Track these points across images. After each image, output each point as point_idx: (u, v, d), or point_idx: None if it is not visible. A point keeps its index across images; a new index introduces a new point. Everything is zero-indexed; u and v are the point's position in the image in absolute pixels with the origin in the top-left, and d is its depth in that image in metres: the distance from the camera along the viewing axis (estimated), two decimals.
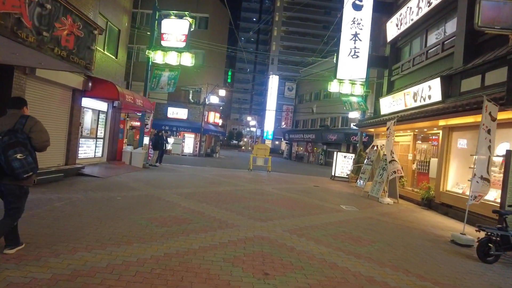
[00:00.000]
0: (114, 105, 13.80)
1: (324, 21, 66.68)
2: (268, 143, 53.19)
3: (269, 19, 75.36)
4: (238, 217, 6.76)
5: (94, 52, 7.37)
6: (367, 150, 15.08)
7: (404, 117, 12.25)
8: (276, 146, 58.61)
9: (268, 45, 75.51)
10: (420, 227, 7.92)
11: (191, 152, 29.32)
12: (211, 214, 6.79)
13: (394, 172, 11.34)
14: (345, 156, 18.28)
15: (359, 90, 18.26)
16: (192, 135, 29.61)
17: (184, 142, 29.31)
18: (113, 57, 14.20)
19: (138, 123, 32.03)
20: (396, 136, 16.09)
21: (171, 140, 29.30)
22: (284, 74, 53.89)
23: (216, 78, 30.50)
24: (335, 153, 18.72)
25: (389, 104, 15.71)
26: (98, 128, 13.25)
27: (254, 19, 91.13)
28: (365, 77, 17.44)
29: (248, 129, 73.53)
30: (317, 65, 41.67)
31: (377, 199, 11.49)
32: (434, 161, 11.41)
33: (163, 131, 17.78)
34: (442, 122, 10.68)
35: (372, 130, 17.51)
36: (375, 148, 14.05)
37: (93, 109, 12.77)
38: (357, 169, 17.40)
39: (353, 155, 18.35)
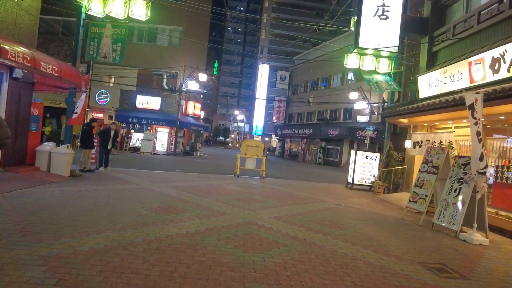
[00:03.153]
0: (15, 75, 8.46)
1: (317, 8, 61.85)
2: (258, 139, 48.09)
3: (258, 8, 70.10)
4: None
5: None
6: (423, 148, 10.15)
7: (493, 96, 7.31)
8: (266, 143, 53.53)
9: (257, 32, 70.28)
10: None
11: (165, 150, 24.01)
12: None
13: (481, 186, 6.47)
14: (367, 157, 13.37)
15: (385, 65, 13.36)
16: (167, 130, 24.29)
17: (156, 138, 23.97)
18: None
19: (100, 115, 26.61)
20: (445, 128, 11.32)
21: (138, 136, 23.95)
22: (274, 65, 48.84)
23: (195, 60, 25.21)
24: (352, 152, 13.79)
25: (435, 82, 10.87)
26: None
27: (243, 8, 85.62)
28: (397, 45, 12.51)
29: (235, 124, 68.31)
30: (313, 51, 36.80)
31: (455, 233, 6.62)
32: None
33: (113, 124, 12.43)
34: None
35: (404, 120, 12.64)
36: (438, 145, 9.19)
37: None
38: (386, 175, 12.53)
39: (378, 155, 13.46)
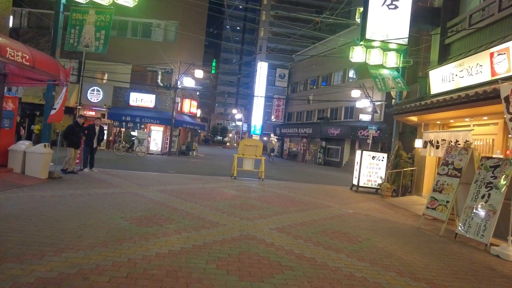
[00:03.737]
0: None
1: (316, 6, 60.91)
2: (256, 138, 47.15)
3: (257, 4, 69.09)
4: None
5: None
6: (443, 149, 9.23)
7: None
8: (264, 143, 52.48)
9: (256, 31, 69.26)
10: None
11: (160, 150, 23.04)
12: None
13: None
14: (373, 157, 12.45)
15: (393, 59, 12.46)
16: (161, 128, 23.32)
17: (150, 137, 22.99)
18: None
19: (92, 113, 25.58)
20: (462, 126, 10.41)
21: (132, 134, 22.96)
22: (273, 63, 47.86)
23: (192, 57, 24.25)
24: (358, 152, 12.87)
25: (450, 76, 9.99)
26: None
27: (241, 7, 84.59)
28: (407, 36, 11.59)
29: (233, 123, 67.31)
30: (313, 49, 35.90)
31: (485, 246, 5.72)
32: None
33: (97, 119, 11.41)
34: None
35: (413, 118, 11.73)
36: (463, 144, 8.30)
37: None
38: (395, 177, 11.63)
39: (385, 156, 12.55)
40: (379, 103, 26.07)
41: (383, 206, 9.64)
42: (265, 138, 52.70)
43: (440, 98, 9.49)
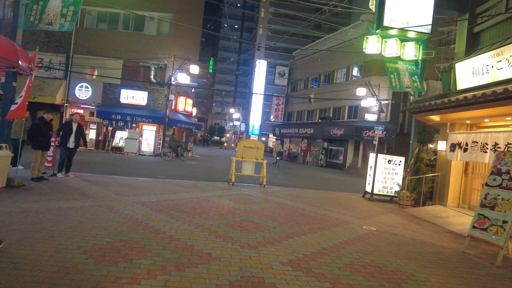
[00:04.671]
0: None
1: (316, 3, 59.64)
2: (257, 140, 45.70)
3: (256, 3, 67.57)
4: None
5: None
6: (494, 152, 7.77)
7: None
8: (265, 144, 50.99)
9: (254, 28, 67.80)
10: None
11: (152, 150, 21.52)
12: None
13: None
14: (389, 161, 11.01)
15: (412, 51, 11.04)
16: (154, 127, 21.80)
17: (141, 137, 21.47)
18: None
19: (81, 111, 24.02)
20: (496, 127, 9.01)
21: (123, 134, 21.47)
22: (272, 62, 46.39)
23: (187, 51, 22.75)
24: (372, 155, 11.42)
25: (483, 68, 8.62)
26: None
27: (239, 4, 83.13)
28: (430, 23, 10.16)
29: (231, 123, 65.81)
30: (314, 45, 34.51)
31: None
32: None
33: (74, 115, 9.78)
34: None
35: (435, 117, 10.32)
36: (501, 148, 6.87)
37: None
38: (415, 184, 10.20)
39: (403, 159, 11.12)
40: (386, 102, 24.69)
41: (407, 219, 8.21)
42: (263, 139, 51.27)
43: (469, 94, 8.08)
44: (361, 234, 6.07)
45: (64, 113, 22.79)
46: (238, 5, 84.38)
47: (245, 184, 11.23)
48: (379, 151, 23.55)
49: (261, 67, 44.51)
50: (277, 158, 24.83)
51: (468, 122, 9.61)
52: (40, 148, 8.29)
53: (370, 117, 25.22)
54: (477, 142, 8.19)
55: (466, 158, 8.53)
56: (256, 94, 38.90)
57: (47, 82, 22.11)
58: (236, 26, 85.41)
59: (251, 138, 43.57)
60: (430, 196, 10.69)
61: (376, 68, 25.93)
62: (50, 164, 9.35)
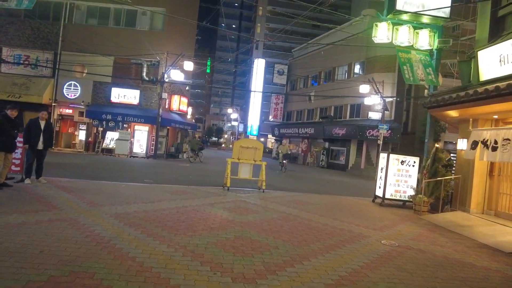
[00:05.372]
0: None
1: (316, 1, 58.65)
2: (253, 138, 44.56)
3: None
4: None
5: None
6: None
7: None
8: (265, 144, 49.83)
9: (252, 27, 66.66)
10: None
11: (145, 152, 20.37)
12: None
13: None
14: (402, 162, 9.88)
15: (426, 39, 9.94)
16: (146, 128, 20.65)
17: (133, 138, 20.31)
18: None
19: (69, 110, 22.83)
20: None
21: (114, 135, 20.33)
22: (271, 61, 45.26)
23: (182, 48, 21.60)
24: (382, 155, 10.29)
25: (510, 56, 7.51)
26: None
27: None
28: (449, 5, 9.07)
29: (229, 124, 64.70)
30: (315, 41, 33.44)
31: None
32: None
33: (42, 112, 8.55)
34: None
35: (452, 113, 9.23)
36: None
37: None
38: (433, 187, 9.09)
39: (417, 160, 10.00)
40: (390, 99, 23.61)
41: (428, 229, 7.08)
42: (262, 139, 50.14)
43: (492, 86, 6.97)
44: (383, 253, 4.93)
45: (52, 113, 21.61)
46: (236, 4, 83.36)
47: (242, 188, 10.09)
48: (384, 150, 22.49)
49: (259, 66, 43.42)
50: (284, 161, 19.79)
51: (495, 117, 8.49)
52: (3, 150, 7.12)
53: (374, 115, 24.12)
54: (510, 140, 7.08)
55: (496, 159, 7.40)
56: (254, 91, 37.74)
57: (34, 81, 20.96)
58: (233, 26, 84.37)
59: (249, 138, 42.43)
60: (449, 201, 9.58)
61: (380, 64, 24.86)
62: (18, 168, 8.20)
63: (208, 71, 67.99)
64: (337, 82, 28.65)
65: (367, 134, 23.55)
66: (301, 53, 36.94)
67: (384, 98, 22.43)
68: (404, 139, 24.50)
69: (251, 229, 5.52)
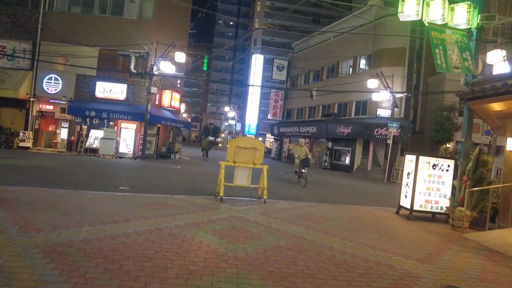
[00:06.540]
0: None
1: None
2: (251, 137, 42.69)
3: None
4: None
5: None
6: None
7: None
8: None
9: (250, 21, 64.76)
10: None
11: (132, 152, 18.50)
12: None
13: None
14: (434, 165, 8.08)
15: (463, 16, 8.15)
16: (134, 126, 18.79)
17: (120, 136, 18.43)
18: None
19: (50, 107, 20.92)
20: None
21: (98, 133, 18.48)
22: (270, 57, 43.46)
23: (173, 37, 19.73)
24: (409, 157, 8.47)
25: None
26: None
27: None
28: None
29: (226, 123, 62.83)
30: (315, 36, 31.68)
31: None
32: None
33: None
34: None
35: (496, 106, 7.47)
36: None
37: None
38: (477, 197, 7.30)
39: (451, 163, 8.20)
40: (400, 95, 21.85)
41: (487, 258, 5.29)
42: (260, 139, 48.31)
43: None
44: None
45: (30, 109, 19.72)
46: (233, 0, 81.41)
47: (238, 198, 8.27)
48: (393, 151, 20.73)
49: (257, 62, 41.61)
50: (303, 170, 13.24)
51: None
52: None
53: (383, 112, 22.34)
54: None
55: None
56: (252, 85, 35.95)
57: (10, 74, 19.04)
58: (231, 23, 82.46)
59: (247, 136, 40.60)
60: (494, 215, 7.80)
61: (388, 57, 23.10)
62: None
63: (205, 68, 66.16)
64: (341, 77, 26.88)
65: (375, 133, 21.77)
66: (302, 47, 35.14)
67: (393, 94, 20.70)
68: (413, 139, 22.80)
69: (251, 271, 3.70)
